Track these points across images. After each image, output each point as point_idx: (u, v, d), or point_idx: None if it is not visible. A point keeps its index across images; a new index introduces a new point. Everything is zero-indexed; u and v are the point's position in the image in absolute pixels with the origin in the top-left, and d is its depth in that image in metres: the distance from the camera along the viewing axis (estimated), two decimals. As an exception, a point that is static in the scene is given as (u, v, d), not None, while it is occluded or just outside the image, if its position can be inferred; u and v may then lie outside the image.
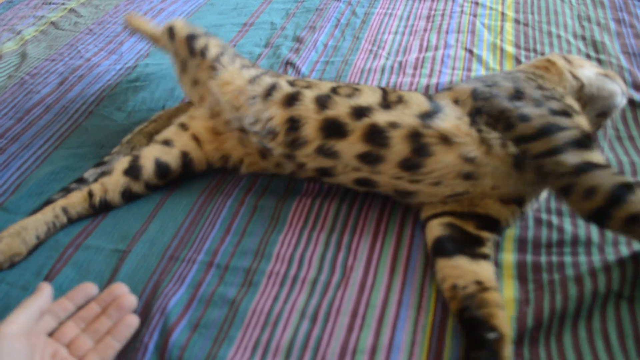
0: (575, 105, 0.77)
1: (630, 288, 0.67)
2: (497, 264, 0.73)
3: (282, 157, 0.84)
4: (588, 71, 0.84)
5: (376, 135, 0.77)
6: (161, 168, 0.91)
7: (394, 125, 0.76)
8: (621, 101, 0.84)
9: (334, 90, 0.83)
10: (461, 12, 1.38)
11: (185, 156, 0.92)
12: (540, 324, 0.65)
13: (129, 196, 0.91)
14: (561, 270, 0.71)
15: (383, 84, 1.14)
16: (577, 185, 0.65)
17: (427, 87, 1.10)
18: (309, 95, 0.82)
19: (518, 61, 1.15)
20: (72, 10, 1.78)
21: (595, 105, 0.83)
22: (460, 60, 1.18)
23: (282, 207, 0.87)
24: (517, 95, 0.76)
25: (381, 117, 0.77)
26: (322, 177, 0.84)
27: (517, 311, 0.67)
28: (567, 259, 0.72)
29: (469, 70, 1.14)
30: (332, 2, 1.53)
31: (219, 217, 0.86)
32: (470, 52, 1.20)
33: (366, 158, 0.78)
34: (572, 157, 0.67)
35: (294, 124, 0.81)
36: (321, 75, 1.21)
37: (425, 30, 1.32)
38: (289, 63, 1.26)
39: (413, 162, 0.75)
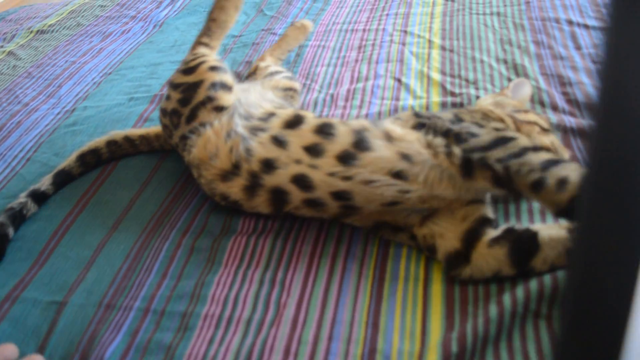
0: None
1: (548, 307, 0.71)
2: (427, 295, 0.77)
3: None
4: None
5: (327, 128, 0.84)
6: None
7: (345, 123, 0.85)
8: None
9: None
10: (391, 41, 1.42)
11: None
12: (464, 348, 0.67)
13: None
14: (485, 292, 0.75)
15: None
16: (549, 178, 0.68)
17: (357, 118, 1.14)
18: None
19: (444, 88, 1.19)
20: (10, 53, 1.77)
21: None
22: (389, 90, 1.22)
23: (218, 247, 0.89)
24: (457, 119, 0.84)
25: (337, 120, 0.87)
26: (264, 173, 0.85)
27: (442, 337, 0.70)
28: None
29: (397, 99, 1.18)
30: (268, 36, 1.56)
31: (156, 262, 0.88)
32: (399, 81, 1.25)
33: (311, 150, 0.83)
34: (535, 157, 0.71)
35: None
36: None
37: (356, 61, 1.36)
38: (226, 99, 1.28)
39: (350, 154, 0.80)
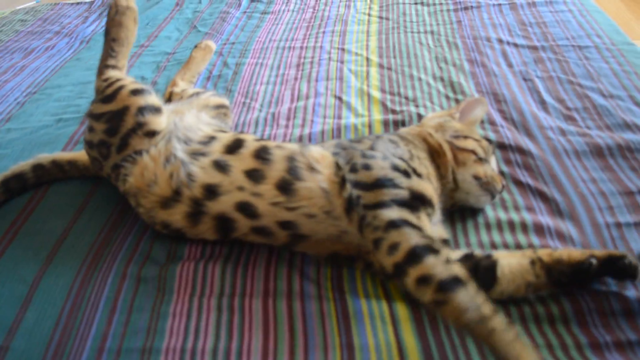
0: (427, 170, 0.85)
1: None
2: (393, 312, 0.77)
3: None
4: (467, 173, 0.89)
5: (264, 153, 0.84)
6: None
7: (280, 147, 0.85)
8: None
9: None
10: (329, 59, 1.43)
11: None
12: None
13: None
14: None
15: (258, 136, 1.16)
16: (385, 240, 0.71)
17: (301, 137, 1.14)
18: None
19: (384, 106, 1.21)
20: None
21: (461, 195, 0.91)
22: (330, 108, 1.23)
23: (166, 276, 0.84)
24: (371, 148, 0.85)
25: (272, 143, 0.87)
26: (207, 200, 0.83)
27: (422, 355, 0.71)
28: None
29: (340, 117, 1.19)
30: (203, 54, 1.53)
31: (101, 296, 0.82)
32: (340, 99, 1.25)
33: (251, 175, 0.82)
34: (391, 213, 0.73)
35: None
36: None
37: (295, 79, 1.36)
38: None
39: (287, 182, 0.80)
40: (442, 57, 1.38)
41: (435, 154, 0.91)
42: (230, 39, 1.62)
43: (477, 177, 0.88)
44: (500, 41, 1.42)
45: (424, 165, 0.86)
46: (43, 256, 0.91)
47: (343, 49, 1.48)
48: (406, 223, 0.72)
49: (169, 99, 1.21)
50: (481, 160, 0.91)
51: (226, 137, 0.89)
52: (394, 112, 1.19)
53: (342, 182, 0.79)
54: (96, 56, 1.61)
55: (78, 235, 0.95)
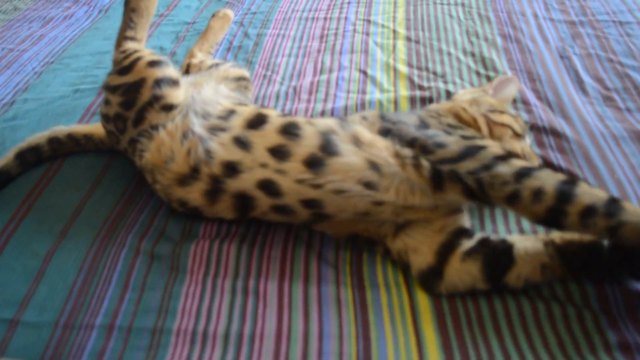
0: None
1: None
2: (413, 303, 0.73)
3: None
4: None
5: (292, 128, 0.79)
6: None
7: (311, 123, 0.80)
8: None
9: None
10: (354, 30, 1.38)
11: None
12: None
13: None
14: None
15: (279, 111, 1.11)
16: (523, 190, 0.66)
17: (323, 112, 1.09)
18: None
19: (411, 81, 1.16)
20: (-61, 38, 1.63)
21: None
22: (354, 83, 1.17)
23: (180, 254, 0.82)
24: (423, 124, 0.80)
25: (302, 119, 0.82)
26: (227, 177, 0.79)
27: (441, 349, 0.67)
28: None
29: (364, 92, 1.14)
30: (223, 24, 1.48)
31: (114, 272, 0.80)
32: (365, 73, 1.20)
33: (276, 152, 0.77)
34: (507, 168, 0.68)
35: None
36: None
37: (318, 51, 1.31)
38: (181, 92, 1.21)
39: (318, 158, 0.75)
40: (474, 31, 1.31)
41: (470, 125, 0.87)
42: (252, 8, 1.57)
43: (513, 154, 0.83)
44: (535, 16, 1.35)
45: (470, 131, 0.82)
46: (57, 230, 0.89)
47: (369, 21, 1.42)
48: (529, 169, 0.67)
49: (186, 70, 1.16)
50: (518, 136, 0.87)
51: (247, 111, 0.84)
52: (421, 88, 1.13)
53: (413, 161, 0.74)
54: (114, 25, 1.57)
55: (93, 209, 0.93)
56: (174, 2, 1.67)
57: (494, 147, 0.72)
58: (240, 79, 1.04)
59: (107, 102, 0.91)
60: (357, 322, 0.71)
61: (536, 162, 0.86)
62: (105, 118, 0.92)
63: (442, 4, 1.45)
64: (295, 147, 0.77)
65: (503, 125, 0.87)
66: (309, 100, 1.14)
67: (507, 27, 1.31)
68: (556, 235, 0.71)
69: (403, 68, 1.21)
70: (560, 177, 0.66)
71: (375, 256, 0.79)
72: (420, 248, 0.75)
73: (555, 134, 0.96)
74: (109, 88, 0.91)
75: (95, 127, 1.04)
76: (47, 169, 1.02)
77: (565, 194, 0.64)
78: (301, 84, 1.19)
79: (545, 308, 0.70)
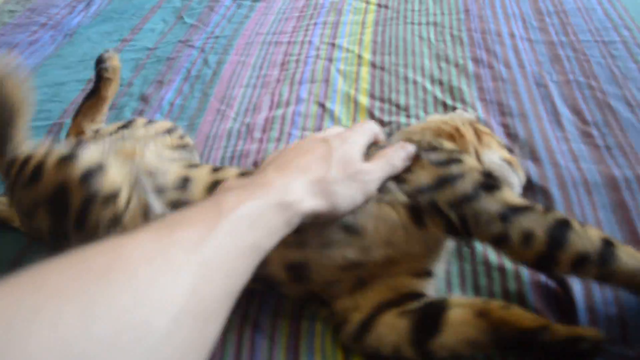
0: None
1: None
2: None
3: None
4: (494, 155, 0.76)
5: None
6: None
7: None
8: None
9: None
10: (317, 56, 1.28)
11: None
12: None
13: None
14: None
15: (229, 152, 1.02)
16: (512, 232, 0.59)
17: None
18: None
19: (372, 115, 1.06)
20: None
21: None
22: (312, 118, 1.08)
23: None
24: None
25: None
26: None
27: None
28: None
29: (320, 129, 1.04)
30: (185, 49, 1.40)
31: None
32: (323, 106, 1.10)
33: None
34: (491, 204, 0.60)
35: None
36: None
37: (277, 81, 1.22)
38: (130, 130, 1.12)
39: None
40: (444, 55, 1.20)
41: (451, 139, 0.77)
42: (216, 31, 1.48)
43: (504, 160, 0.76)
44: (512, 35, 1.23)
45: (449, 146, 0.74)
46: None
47: (333, 44, 1.31)
48: (519, 208, 0.60)
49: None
50: (504, 146, 0.80)
51: (203, 177, 0.73)
52: (381, 123, 1.03)
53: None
54: (77, 52, 1.52)
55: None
56: (139, 25, 1.59)
57: (474, 173, 0.64)
58: (170, 130, 0.92)
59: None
60: None
61: (522, 173, 0.79)
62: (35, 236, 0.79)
63: (413, 23, 1.34)
64: None
65: (489, 134, 0.79)
66: (261, 140, 1.05)
67: (481, 49, 1.20)
68: (496, 306, 0.61)
69: (364, 100, 1.10)
70: (551, 218, 0.59)
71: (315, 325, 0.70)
72: (364, 305, 0.66)
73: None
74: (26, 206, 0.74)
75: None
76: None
77: (557, 240, 0.58)
78: (255, 121, 1.10)
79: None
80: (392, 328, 0.63)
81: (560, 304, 0.67)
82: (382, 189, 0.66)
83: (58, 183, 0.69)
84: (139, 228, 0.46)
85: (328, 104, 1.11)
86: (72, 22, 1.68)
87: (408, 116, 1.04)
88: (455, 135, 0.77)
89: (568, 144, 0.92)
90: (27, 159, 0.72)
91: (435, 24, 1.32)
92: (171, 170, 0.75)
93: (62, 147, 0.72)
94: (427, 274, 0.68)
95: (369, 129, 0.72)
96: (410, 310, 0.64)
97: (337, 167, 0.62)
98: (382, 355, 0.64)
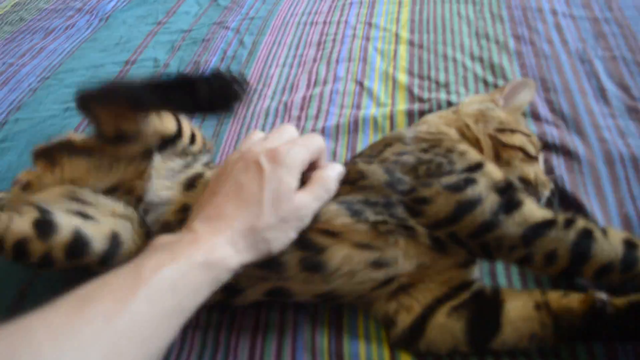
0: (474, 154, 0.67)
1: None
2: None
3: None
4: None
5: None
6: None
7: None
8: None
9: None
10: (353, 36, 1.27)
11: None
12: None
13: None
14: None
15: (266, 131, 1.02)
16: (535, 254, 0.58)
17: (313, 131, 0.99)
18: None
19: (411, 92, 1.04)
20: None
21: None
22: (349, 96, 1.07)
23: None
24: (398, 180, 0.65)
25: None
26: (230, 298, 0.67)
27: None
28: None
29: (359, 107, 1.03)
30: (220, 31, 1.40)
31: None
32: (361, 84, 1.09)
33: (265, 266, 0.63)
34: (513, 228, 0.58)
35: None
36: (201, 123, 1.08)
37: (314, 60, 1.21)
38: (167, 110, 1.13)
39: (311, 261, 0.62)
40: (484, 32, 1.18)
41: (474, 143, 0.73)
42: (250, 13, 1.48)
43: (525, 180, 0.71)
44: (554, 12, 1.20)
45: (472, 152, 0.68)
46: None
47: (370, 24, 1.30)
48: (540, 227, 0.58)
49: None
50: (530, 158, 0.73)
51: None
52: (420, 100, 1.02)
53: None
54: (113, 35, 1.53)
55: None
56: (174, 8, 1.60)
57: (491, 194, 0.60)
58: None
59: None
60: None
61: (547, 190, 0.73)
62: None
63: (450, 1, 1.32)
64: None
65: (514, 148, 0.73)
66: (299, 118, 1.04)
67: (522, 26, 1.18)
68: (553, 297, 0.60)
69: (403, 77, 1.09)
70: (573, 234, 0.57)
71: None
72: (413, 305, 0.64)
73: (567, 153, 0.84)
74: None
75: None
76: None
77: (580, 255, 0.57)
78: (293, 99, 1.09)
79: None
80: (447, 331, 0.61)
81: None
82: (399, 219, 0.62)
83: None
84: (51, 304, 0.45)
85: (366, 82, 1.10)
86: (107, 7, 1.69)
87: (448, 92, 1.02)
88: (475, 145, 0.72)
89: (614, 120, 0.90)
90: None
91: (474, 2, 1.30)
92: (173, 200, 0.70)
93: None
94: (471, 261, 0.66)
95: (316, 145, 0.65)
96: (462, 304, 0.62)
97: (269, 210, 0.57)
98: (436, 355, 0.63)
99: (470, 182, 0.61)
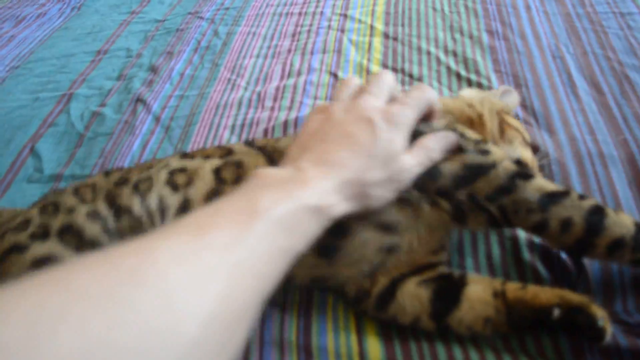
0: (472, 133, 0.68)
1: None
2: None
3: None
4: (512, 153, 0.72)
5: None
6: None
7: None
8: None
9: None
10: (328, 27, 1.26)
11: None
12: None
13: None
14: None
15: (239, 120, 1.01)
16: (551, 220, 0.59)
17: (286, 122, 0.98)
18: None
19: (384, 86, 1.04)
20: None
21: None
22: (323, 88, 1.06)
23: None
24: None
25: None
26: None
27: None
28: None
29: (332, 99, 1.03)
30: (195, 21, 1.39)
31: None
32: (335, 76, 1.09)
33: None
34: (530, 193, 0.59)
35: None
36: (174, 112, 1.07)
37: (289, 51, 1.20)
38: (139, 100, 1.11)
39: (331, 246, 0.62)
40: (458, 26, 1.18)
41: (470, 125, 0.73)
42: (225, 3, 1.46)
43: (522, 164, 0.71)
44: (528, 8, 1.21)
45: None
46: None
47: (345, 15, 1.30)
48: (556, 195, 0.60)
49: None
50: (527, 144, 0.77)
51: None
52: (394, 93, 1.01)
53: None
54: (85, 24, 1.51)
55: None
56: (148, -4, 1.58)
57: (506, 162, 0.62)
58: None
59: None
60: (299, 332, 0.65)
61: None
62: None
63: (426, -5, 1.32)
64: None
65: (517, 129, 0.76)
66: (272, 108, 1.04)
67: (496, 21, 1.18)
68: (511, 288, 0.61)
69: (377, 69, 1.09)
70: (587, 205, 0.59)
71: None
72: (383, 280, 0.65)
73: (536, 150, 0.84)
74: None
75: None
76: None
77: (594, 226, 0.58)
78: (266, 90, 1.09)
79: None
80: (414, 297, 0.62)
81: (567, 273, 0.66)
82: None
83: None
84: (168, 227, 0.44)
85: (340, 74, 1.09)
86: (80, -6, 1.66)
87: (421, 86, 1.02)
88: (476, 122, 0.73)
89: (584, 115, 0.91)
90: None
91: (449, -4, 1.30)
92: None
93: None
94: (442, 247, 0.67)
95: (425, 99, 0.64)
96: (429, 278, 0.63)
97: (379, 165, 0.57)
98: (399, 324, 0.64)
99: (484, 152, 0.63)
